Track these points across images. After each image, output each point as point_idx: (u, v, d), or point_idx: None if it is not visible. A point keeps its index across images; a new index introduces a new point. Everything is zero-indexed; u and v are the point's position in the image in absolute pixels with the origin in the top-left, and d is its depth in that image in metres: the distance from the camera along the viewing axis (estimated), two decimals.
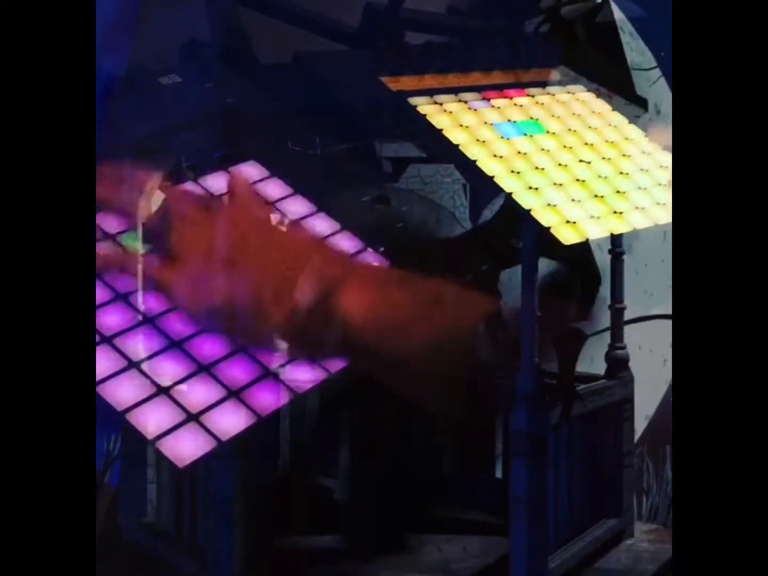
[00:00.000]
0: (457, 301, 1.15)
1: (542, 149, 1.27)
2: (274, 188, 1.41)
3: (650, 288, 1.90)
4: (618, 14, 1.57)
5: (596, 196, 1.24)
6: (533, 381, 1.26)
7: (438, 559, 1.46)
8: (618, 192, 1.26)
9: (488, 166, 1.21)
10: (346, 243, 1.47)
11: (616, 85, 1.46)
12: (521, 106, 1.34)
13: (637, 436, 1.81)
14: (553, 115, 1.34)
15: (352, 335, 1.07)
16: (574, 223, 1.17)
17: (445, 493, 1.63)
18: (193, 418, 1.09)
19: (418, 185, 1.62)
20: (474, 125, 1.26)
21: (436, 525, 1.55)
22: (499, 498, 1.47)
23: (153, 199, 1.14)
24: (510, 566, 1.30)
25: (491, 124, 1.28)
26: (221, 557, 1.24)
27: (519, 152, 1.25)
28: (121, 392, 1.08)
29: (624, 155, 1.34)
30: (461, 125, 1.25)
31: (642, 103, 1.53)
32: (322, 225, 1.42)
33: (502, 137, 1.27)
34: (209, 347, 1.16)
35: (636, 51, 1.78)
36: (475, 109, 1.30)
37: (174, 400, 1.10)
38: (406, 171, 1.60)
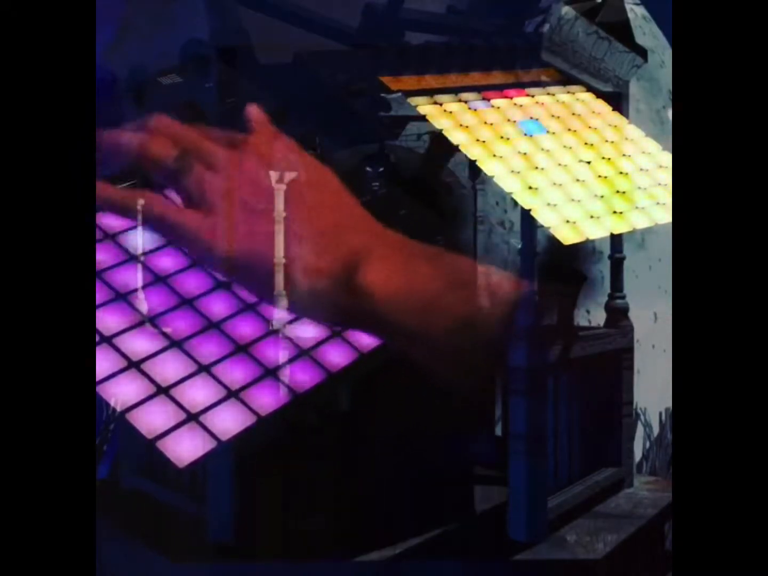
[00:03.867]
0: (489, 279, 1.12)
1: (542, 149, 1.28)
2: None
3: (664, 284, 1.89)
4: None
5: (596, 196, 1.24)
6: (532, 317, 1.23)
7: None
8: (618, 192, 1.27)
9: (488, 166, 1.22)
10: None
11: (616, 32, 1.45)
12: (521, 106, 1.35)
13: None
14: (553, 115, 1.35)
15: (378, 309, 1.04)
16: (574, 223, 1.18)
17: (446, 450, 1.63)
18: (193, 418, 1.09)
19: (417, 143, 1.61)
20: (476, 125, 1.27)
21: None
22: (499, 454, 1.47)
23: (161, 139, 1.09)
24: (509, 503, 1.29)
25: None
26: (220, 497, 1.23)
27: (519, 152, 1.25)
28: (122, 392, 1.08)
29: (624, 155, 1.34)
30: (461, 125, 1.26)
31: (642, 53, 1.52)
32: None
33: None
34: (209, 347, 1.16)
35: (649, 35, 1.77)
36: (475, 109, 1.30)
37: (174, 400, 1.10)
38: (404, 129, 1.59)
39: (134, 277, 1.17)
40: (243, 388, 1.13)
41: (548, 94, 1.40)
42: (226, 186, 1.06)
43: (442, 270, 1.10)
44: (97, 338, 1.11)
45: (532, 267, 1.27)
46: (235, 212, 1.06)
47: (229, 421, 1.09)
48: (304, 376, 1.16)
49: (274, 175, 1.12)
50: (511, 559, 1.28)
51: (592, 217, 1.20)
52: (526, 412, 1.27)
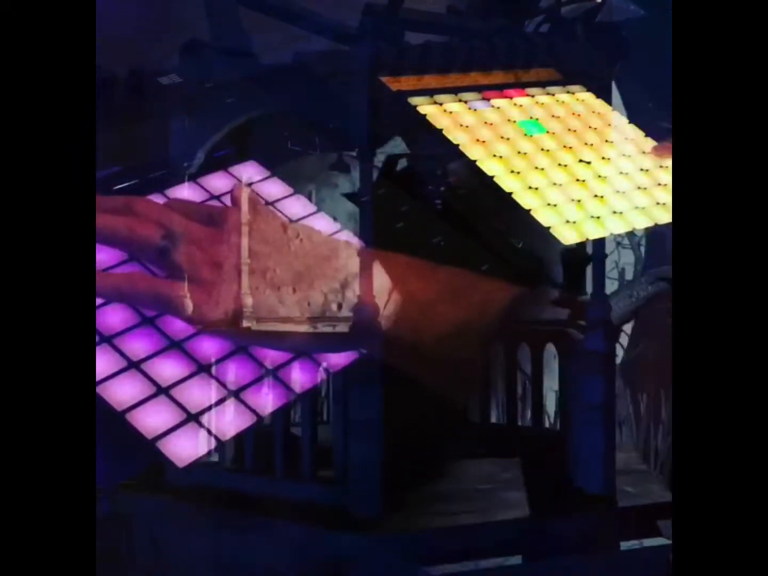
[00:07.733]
0: (476, 289, 1.14)
1: (542, 149, 1.28)
2: (274, 188, 1.40)
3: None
4: None
5: (596, 196, 1.24)
6: (605, 308, 1.46)
7: (462, 486, 1.55)
8: (618, 192, 1.27)
9: (488, 166, 1.22)
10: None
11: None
12: (521, 106, 1.35)
13: None
14: (553, 115, 1.35)
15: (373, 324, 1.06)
16: (574, 223, 1.18)
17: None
18: (193, 418, 1.09)
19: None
20: (476, 125, 1.27)
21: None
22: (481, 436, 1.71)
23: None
24: (580, 472, 1.47)
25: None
26: (365, 477, 1.36)
27: (519, 152, 1.25)
28: (121, 392, 1.08)
29: (624, 155, 1.34)
30: (461, 125, 1.26)
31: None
32: (321, 224, 1.42)
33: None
34: (209, 347, 1.16)
35: None
36: (475, 109, 1.30)
37: (174, 400, 1.10)
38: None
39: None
40: (243, 388, 1.13)
41: (548, 94, 1.40)
42: (211, 263, 1.08)
43: (431, 283, 1.12)
44: (97, 338, 1.11)
45: (603, 271, 1.44)
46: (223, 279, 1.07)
47: (229, 421, 1.09)
48: (304, 376, 1.16)
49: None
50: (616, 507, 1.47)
51: (592, 217, 1.20)
52: (603, 387, 1.46)
